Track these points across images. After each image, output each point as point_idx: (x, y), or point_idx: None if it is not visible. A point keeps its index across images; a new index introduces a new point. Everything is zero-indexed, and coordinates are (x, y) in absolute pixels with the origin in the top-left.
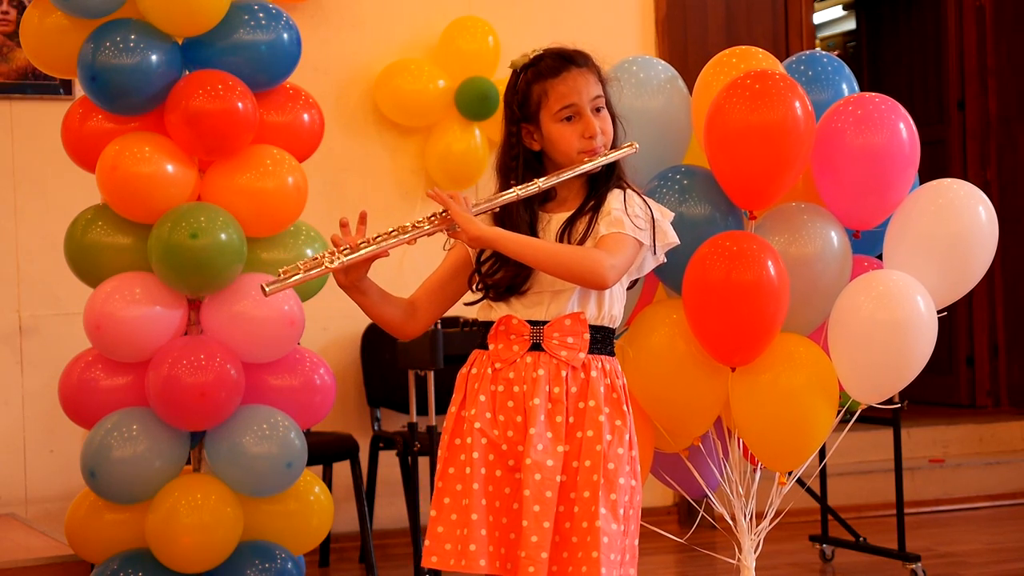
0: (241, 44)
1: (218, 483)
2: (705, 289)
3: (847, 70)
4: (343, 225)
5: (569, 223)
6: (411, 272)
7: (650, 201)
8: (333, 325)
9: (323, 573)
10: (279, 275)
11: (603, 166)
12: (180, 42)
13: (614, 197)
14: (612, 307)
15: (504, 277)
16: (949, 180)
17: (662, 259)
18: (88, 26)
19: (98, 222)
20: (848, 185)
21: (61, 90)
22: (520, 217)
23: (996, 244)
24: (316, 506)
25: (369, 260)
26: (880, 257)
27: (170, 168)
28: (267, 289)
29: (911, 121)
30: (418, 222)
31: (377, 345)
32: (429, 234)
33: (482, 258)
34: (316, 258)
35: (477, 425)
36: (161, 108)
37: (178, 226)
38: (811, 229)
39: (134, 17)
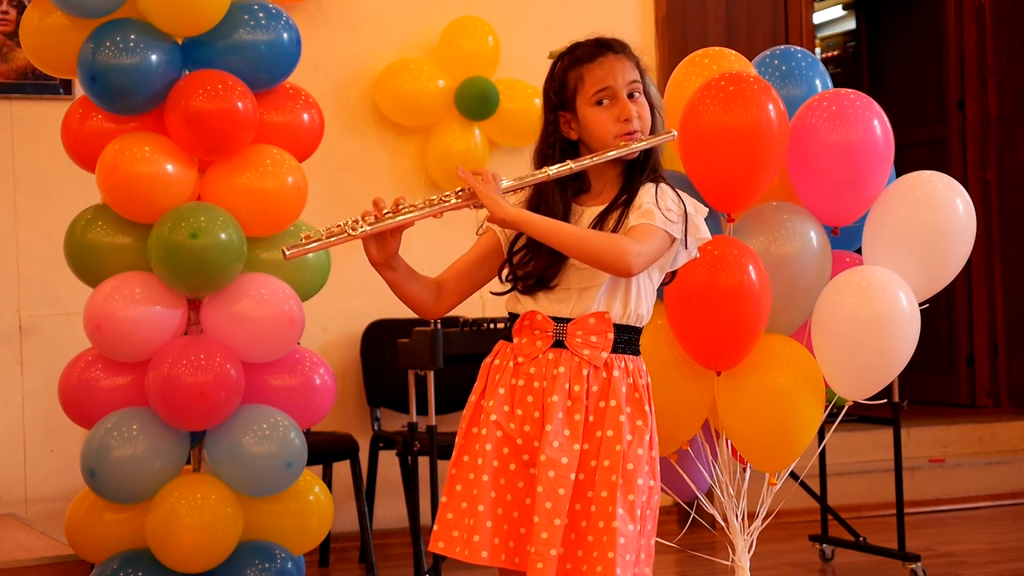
0: (241, 44)
1: (218, 483)
2: (687, 294)
3: (821, 66)
4: (376, 202)
5: (601, 217)
6: (411, 257)
7: (684, 195)
8: (333, 325)
9: (323, 573)
10: (301, 240)
11: (640, 156)
12: (180, 42)
13: (645, 191)
14: (639, 306)
15: (535, 268)
16: (927, 173)
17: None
18: (88, 26)
19: (98, 222)
20: (824, 182)
21: (61, 90)
22: (555, 207)
23: (974, 236)
24: (316, 506)
25: (396, 232)
26: (859, 251)
27: (170, 168)
28: (288, 252)
29: (885, 117)
30: (444, 196)
31: (377, 345)
32: (456, 208)
33: (515, 248)
34: (339, 225)
35: (493, 418)
36: (161, 108)
37: (178, 226)
38: (790, 228)
39: (134, 17)
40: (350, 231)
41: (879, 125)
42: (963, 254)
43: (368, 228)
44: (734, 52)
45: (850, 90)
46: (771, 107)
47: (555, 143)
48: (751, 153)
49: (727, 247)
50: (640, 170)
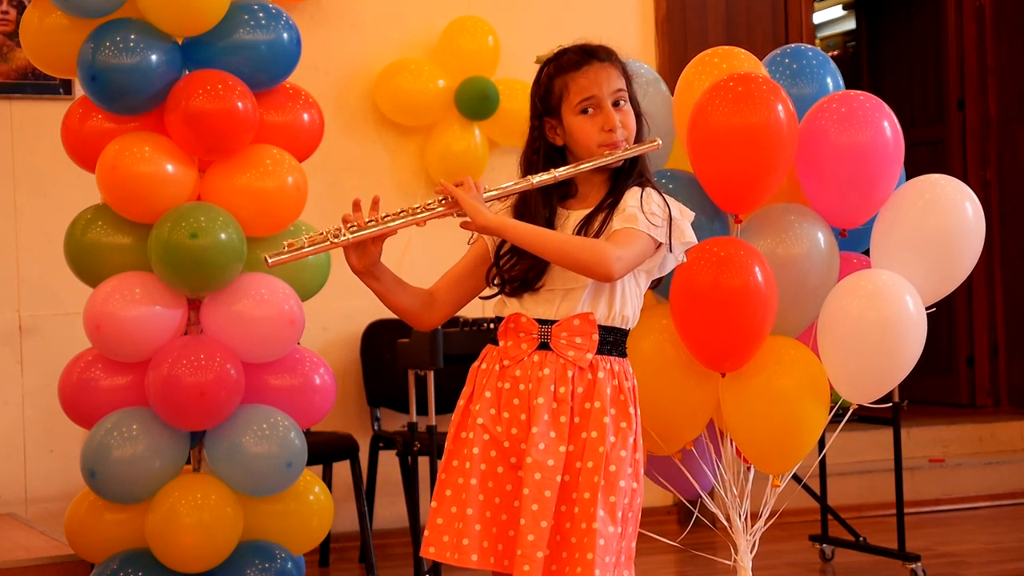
0: (241, 44)
1: (218, 483)
2: (693, 295)
3: (832, 64)
4: (355, 205)
5: (586, 221)
6: (411, 266)
7: (670, 200)
8: (333, 325)
9: (323, 573)
10: (283, 247)
11: (626, 162)
12: (180, 42)
13: (631, 195)
14: (624, 307)
15: (519, 271)
16: (936, 176)
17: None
18: (88, 26)
19: (98, 222)
20: (833, 184)
21: (61, 90)
22: (539, 212)
23: (983, 240)
24: (316, 506)
25: (378, 240)
26: (867, 253)
27: (170, 168)
28: (270, 260)
29: (895, 119)
30: (428, 204)
31: (377, 345)
32: (438, 216)
33: (501, 252)
34: (323, 233)
35: (480, 421)
36: (161, 108)
37: (178, 226)
38: (798, 230)
39: (134, 17)
40: (332, 239)
41: (889, 127)
42: (972, 258)
43: (350, 236)
44: (744, 51)
45: (860, 91)
46: (780, 108)
47: (540, 148)
48: (760, 154)
49: (733, 248)
50: (627, 176)
